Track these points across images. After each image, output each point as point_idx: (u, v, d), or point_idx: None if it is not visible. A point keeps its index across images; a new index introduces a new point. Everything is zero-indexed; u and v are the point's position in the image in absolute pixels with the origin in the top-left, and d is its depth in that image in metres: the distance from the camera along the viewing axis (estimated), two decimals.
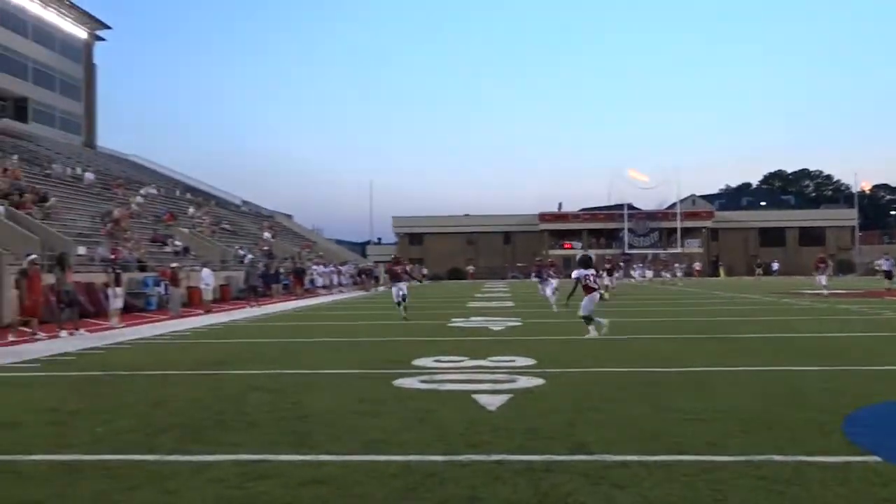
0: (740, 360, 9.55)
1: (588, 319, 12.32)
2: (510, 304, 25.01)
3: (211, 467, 4.70)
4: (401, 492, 4.16)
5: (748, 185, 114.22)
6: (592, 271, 12.64)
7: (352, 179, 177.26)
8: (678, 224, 71.07)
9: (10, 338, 13.61)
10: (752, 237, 75.24)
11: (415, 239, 77.53)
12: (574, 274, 12.77)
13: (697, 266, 57.71)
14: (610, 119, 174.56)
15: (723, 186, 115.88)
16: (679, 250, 69.25)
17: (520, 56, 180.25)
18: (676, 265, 52.02)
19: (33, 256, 15.13)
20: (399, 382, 8.00)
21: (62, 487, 4.30)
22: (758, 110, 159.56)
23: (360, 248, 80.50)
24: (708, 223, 74.43)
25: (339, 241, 69.93)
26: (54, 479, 4.48)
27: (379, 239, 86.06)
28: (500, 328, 15.03)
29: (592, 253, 56.35)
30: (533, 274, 24.56)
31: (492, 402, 6.78)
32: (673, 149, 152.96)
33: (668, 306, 22.13)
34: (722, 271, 64.68)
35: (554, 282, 21.95)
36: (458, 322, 16.79)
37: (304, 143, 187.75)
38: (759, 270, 53.46)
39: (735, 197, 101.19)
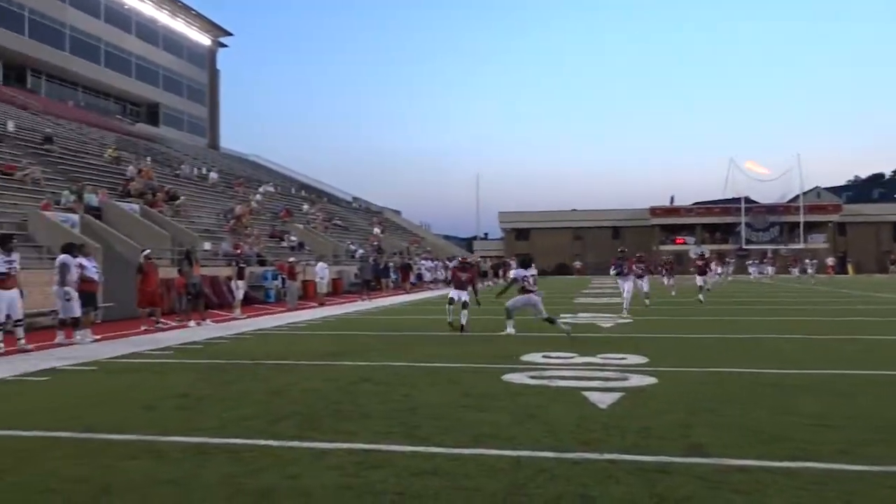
0: (873, 363, 8.92)
1: (508, 313, 12.58)
2: (620, 300, 24.43)
3: (328, 455, 4.87)
4: (511, 487, 4.16)
5: (880, 175, 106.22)
6: (533, 272, 12.66)
7: (459, 175, 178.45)
8: (801, 218, 67.07)
9: (143, 327, 14.62)
10: (885, 232, 69.91)
11: (521, 234, 77.18)
12: (512, 273, 13.04)
13: (830, 262, 53.35)
14: (725, 108, 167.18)
15: (851, 178, 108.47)
16: (802, 246, 65.37)
17: (629, 47, 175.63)
18: (807, 261, 48.53)
19: (147, 251, 16.15)
20: (508, 377, 8.00)
21: (194, 468, 4.58)
22: (891, 95, 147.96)
23: (467, 243, 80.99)
24: (834, 217, 69.75)
25: (446, 237, 70.71)
26: (187, 460, 4.78)
27: (486, 234, 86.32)
28: (609, 325, 14.73)
29: (706, 248, 53.92)
30: (612, 268, 19.06)
31: (603, 399, 6.67)
32: (795, 138, 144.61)
33: (790, 305, 20.96)
34: (851, 268, 60.49)
35: (644, 283, 20.18)
36: (566, 318, 16.57)
37: (412, 139, 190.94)
38: (893, 267, 49.65)
39: (865, 189, 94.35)
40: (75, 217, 19.94)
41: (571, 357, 9.67)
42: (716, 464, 4.56)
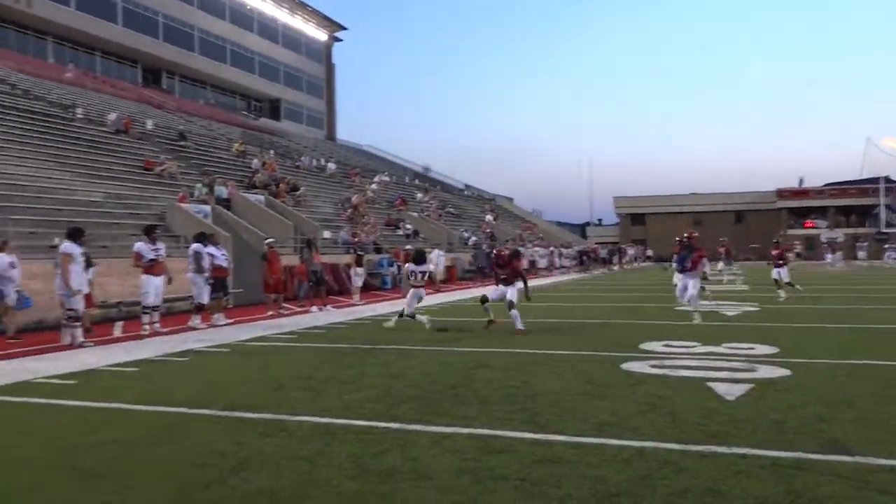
0: None
1: (406, 315, 12.24)
2: (744, 287, 23.32)
3: (448, 439, 4.92)
4: (635, 477, 4.05)
5: None
6: (426, 268, 12.56)
7: (571, 160, 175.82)
8: None
9: (269, 312, 15.37)
10: None
11: (637, 219, 75.09)
12: (408, 267, 12.69)
13: None
14: (860, 82, 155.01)
15: None
16: None
17: (751, 21, 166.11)
18: None
19: (270, 240, 16.90)
20: (627, 366, 7.81)
21: (321, 447, 4.76)
22: None
23: (580, 229, 79.70)
24: None
25: (558, 223, 69.87)
26: (315, 439, 4.98)
27: (599, 220, 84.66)
28: (734, 313, 14.09)
29: (841, 232, 50.13)
30: (674, 262, 14.39)
31: (730, 391, 6.38)
32: None
33: None
34: None
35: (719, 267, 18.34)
36: (687, 306, 15.98)
37: (522, 125, 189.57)
38: None
39: None
40: (207, 208, 21.19)
41: (693, 346, 9.33)
42: (860, 462, 4.26)
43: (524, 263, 11.78)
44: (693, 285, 13.05)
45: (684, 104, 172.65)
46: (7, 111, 24.74)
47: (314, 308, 16.26)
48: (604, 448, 4.64)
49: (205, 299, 13.18)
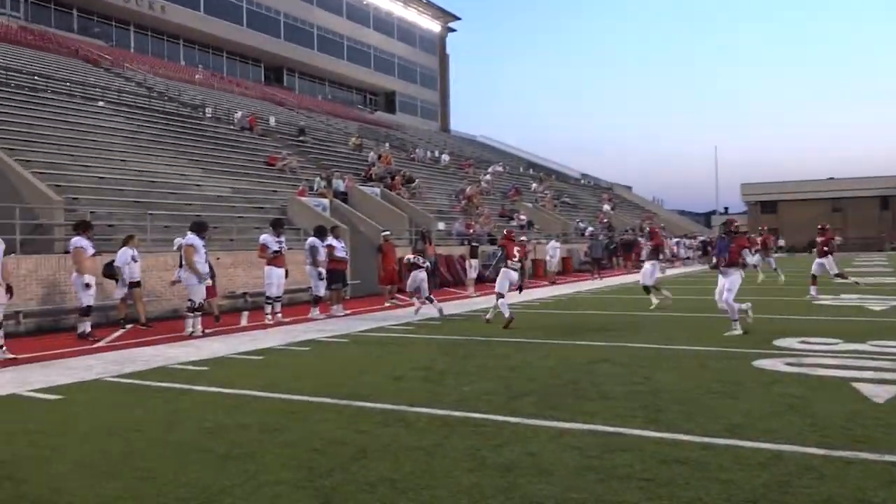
0: None
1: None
2: (891, 280, 21.60)
3: (568, 434, 4.84)
4: (772, 483, 3.82)
5: None
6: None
7: (695, 146, 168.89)
8: None
9: (386, 303, 15.74)
10: None
11: (767, 207, 71.20)
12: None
13: None
14: None
15: None
16: None
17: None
18: None
19: (387, 232, 17.25)
20: (759, 363, 7.41)
21: (439, 439, 4.81)
22: None
23: (704, 218, 76.49)
24: None
25: (681, 212, 67.39)
26: (433, 431, 5.03)
27: (726, 208, 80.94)
28: (881, 308, 13.07)
29: None
30: (714, 258, 11.41)
31: (878, 392, 5.91)
32: None
33: None
34: None
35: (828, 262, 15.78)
36: (825, 299, 15.01)
37: (641, 111, 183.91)
38: None
39: None
40: (325, 201, 21.95)
41: (835, 343, 8.73)
42: None
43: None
44: (731, 285, 9.91)
45: (819, 81, 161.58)
46: (146, 112, 26.66)
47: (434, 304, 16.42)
48: (737, 450, 4.42)
49: (321, 291, 13.64)
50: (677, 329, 10.74)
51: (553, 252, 24.75)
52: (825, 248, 16.26)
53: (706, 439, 4.65)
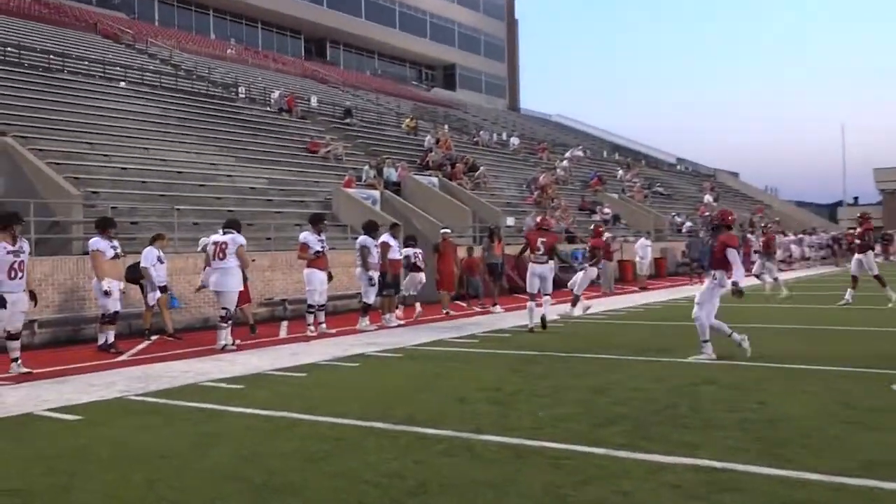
0: None
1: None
2: None
3: (666, 470, 4.76)
4: None
5: None
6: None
7: (817, 126, 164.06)
8: None
9: (444, 311, 15.81)
10: None
11: None
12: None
13: None
14: None
15: None
16: None
17: None
18: None
19: (446, 230, 17.28)
20: None
21: (511, 472, 4.78)
22: None
23: (829, 210, 74.21)
24: None
25: (799, 203, 65.54)
26: (503, 463, 5.01)
27: (855, 199, 78.35)
28: None
29: None
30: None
31: None
32: None
33: None
34: None
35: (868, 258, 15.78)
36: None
37: (752, 86, 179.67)
38: None
39: None
40: (376, 193, 22.19)
41: None
42: None
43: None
44: (701, 297, 9.35)
45: None
46: (172, 93, 27.50)
47: (498, 307, 16.47)
48: (876, 493, 4.26)
49: (370, 298, 13.71)
50: (797, 343, 10.47)
51: (643, 252, 24.39)
52: (861, 242, 16.24)
53: (838, 478, 4.51)
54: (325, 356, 10.29)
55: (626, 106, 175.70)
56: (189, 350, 11.22)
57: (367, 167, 25.12)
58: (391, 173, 25.31)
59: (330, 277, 13.24)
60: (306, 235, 12.91)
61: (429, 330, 13.30)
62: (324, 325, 13.13)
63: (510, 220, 26.06)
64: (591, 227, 17.76)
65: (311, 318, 12.99)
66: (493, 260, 17.54)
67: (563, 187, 35.38)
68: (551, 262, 12.91)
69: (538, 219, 14.25)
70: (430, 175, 27.15)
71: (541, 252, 12.64)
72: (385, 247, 14.11)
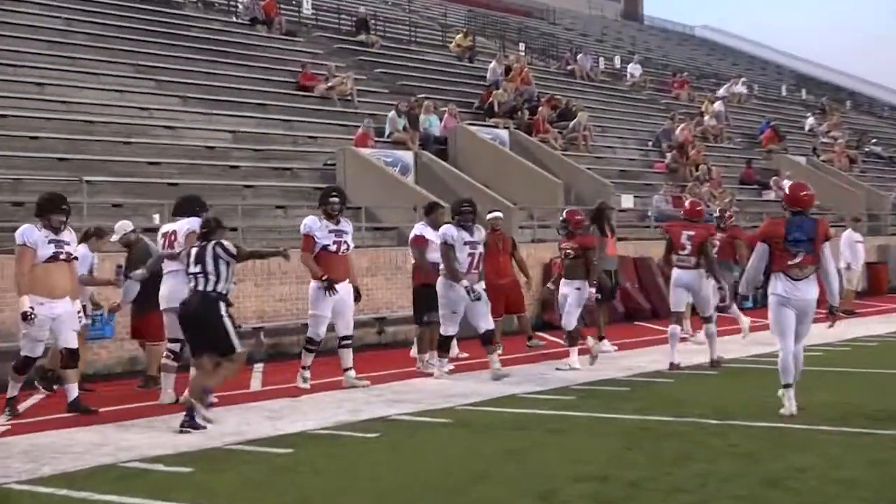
0: None
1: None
2: None
3: None
4: None
5: None
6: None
7: None
8: None
9: (531, 343, 15.91)
10: None
11: None
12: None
13: None
14: None
15: None
16: None
17: None
18: None
19: (495, 214, 16.50)
20: None
21: None
22: None
23: None
24: None
25: None
26: None
27: None
28: None
29: None
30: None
31: None
32: None
33: None
34: None
35: None
36: None
37: None
38: None
39: None
40: (408, 156, 22.15)
41: None
42: None
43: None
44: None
45: None
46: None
47: (605, 343, 16.22)
48: None
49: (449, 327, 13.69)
50: None
51: (851, 253, 23.51)
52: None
53: None
54: (323, 420, 10.27)
55: (817, 10, 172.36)
56: (109, 409, 11.26)
57: (392, 113, 25.07)
58: (432, 123, 25.28)
59: (358, 296, 13.04)
60: (312, 222, 12.73)
61: (491, 380, 13.23)
62: (351, 374, 12.89)
63: (628, 200, 25.81)
64: (723, 214, 17.65)
65: (308, 359, 12.84)
66: (603, 265, 16.94)
67: (713, 146, 35.00)
68: (702, 268, 13.21)
69: (687, 203, 14.44)
70: (495, 126, 27.06)
71: (686, 252, 13.02)
72: (421, 242, 14.04)
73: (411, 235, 13.96)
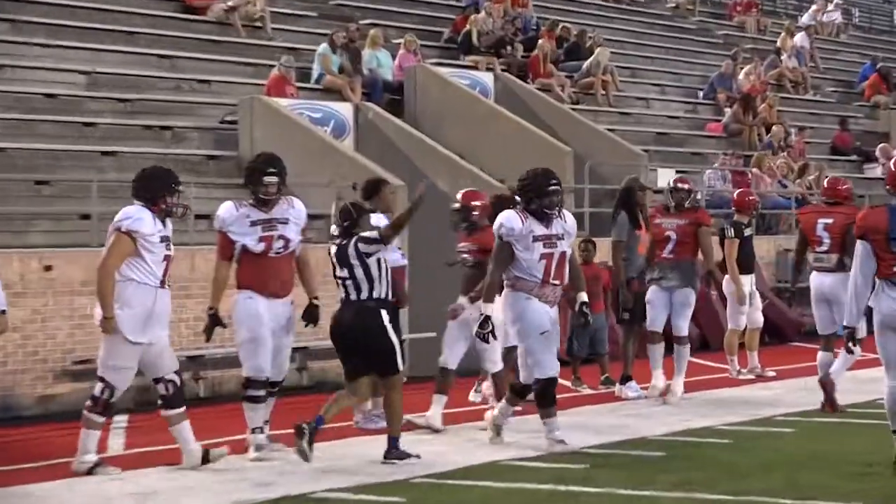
0: None
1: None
2: None
3: None
4: None
5: None
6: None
7: None
8: None
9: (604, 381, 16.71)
10: None
11: None
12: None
13: None
14: None
15: None
16: None
17: None
18: None
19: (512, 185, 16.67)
20: None
21: None
22: None
23: None
24: None
25: None
26: None
27: None
28: None
29: None
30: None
31: None
32: None
33: None
34: None
35: None
36: None
37: None
38: None
39: None
40: (345, 108, 22.01)
41: None
42: None
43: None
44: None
45: None
46: None
47: (632, 386, 16.17)
48: None
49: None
50: None
51: None
52: None
53: None
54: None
55: None
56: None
57: (323, 47, 25.01)
58: (381, 62, 25.20)
59: (313, 317, 12.94)
60: (227, 213, 12.51)
61: (474, 437, 13.20)
62: (262, 435, 12.73)
63: (667, 176, 25.73)
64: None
65: (252, 411, 12.62)
66: (632, 270, 16.71)
67: (793, 99, 35.14)
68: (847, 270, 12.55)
69: (826, 181, 14.61)
70: (473, 67, 26.98)
71: (823, 249, 13.23)
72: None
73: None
